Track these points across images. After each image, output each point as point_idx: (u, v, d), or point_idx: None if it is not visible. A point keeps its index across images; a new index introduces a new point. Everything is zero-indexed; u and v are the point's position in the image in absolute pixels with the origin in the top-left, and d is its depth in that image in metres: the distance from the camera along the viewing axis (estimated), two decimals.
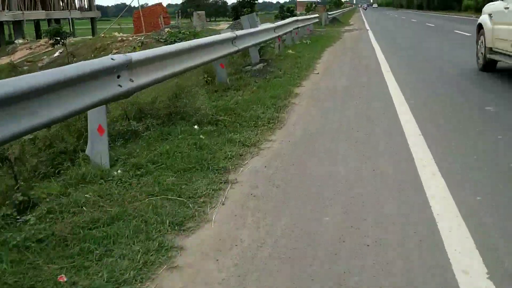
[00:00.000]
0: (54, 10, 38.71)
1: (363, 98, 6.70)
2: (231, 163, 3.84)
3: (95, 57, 12.55)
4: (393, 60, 10.70)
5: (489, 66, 7.92)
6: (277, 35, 11.25)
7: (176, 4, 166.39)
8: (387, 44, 15.46)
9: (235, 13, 37.14)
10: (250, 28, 10.17)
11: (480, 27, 8.24)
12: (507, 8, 6.86)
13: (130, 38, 21.82)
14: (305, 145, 4.47)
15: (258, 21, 10.94)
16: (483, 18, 8.07)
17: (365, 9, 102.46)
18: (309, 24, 19.67)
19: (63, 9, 40.70)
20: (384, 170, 3.67)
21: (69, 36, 22.11)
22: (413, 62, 10.67)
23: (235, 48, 7.40)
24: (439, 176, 3.44)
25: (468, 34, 15.69)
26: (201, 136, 4.41)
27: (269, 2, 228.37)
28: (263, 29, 10.22)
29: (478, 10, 34.94)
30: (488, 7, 8.07)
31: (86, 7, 44.99)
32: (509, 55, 6.85)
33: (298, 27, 15.33)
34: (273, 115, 5.43)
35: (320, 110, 5.99)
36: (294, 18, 14.99)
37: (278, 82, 7.78)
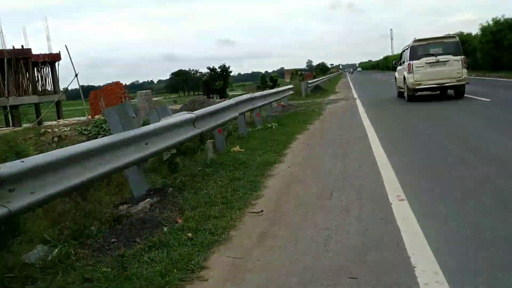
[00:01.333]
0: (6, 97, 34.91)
1: None
2: None
3: None
4: (407, 167, 6.21)
5: (399, 95, 17.51)
6: (207, 127, 6.80)
7: (160, 81, 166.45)
8: (387, 125, 11.11)
9: (206, 88, 33.38)
10: (160, 120, 5.93)
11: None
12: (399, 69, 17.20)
13: (66, 128, 17.45)
14: None
15: (169, 111, 6.52)
16: (395, 73, 19.04)
17: (351, 73, 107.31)
18: (280, 99, 15.43)
19: (20, 95, 37.02)
20: None
21: None
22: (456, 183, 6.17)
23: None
24: None
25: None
26: None
27: (257, 72, 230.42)
28: (173, 123, 5.82)
29: (473, 68, 31.52)
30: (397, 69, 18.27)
31: (50, 89, 41.46)
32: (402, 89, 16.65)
33: (255, 107, 10.96)
34: None
35: None
36: (248, 95, 10.69)
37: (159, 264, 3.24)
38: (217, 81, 32.49)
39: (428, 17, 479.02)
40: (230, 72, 33.79)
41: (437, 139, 8.06)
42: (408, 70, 15.13)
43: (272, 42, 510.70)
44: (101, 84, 30.90)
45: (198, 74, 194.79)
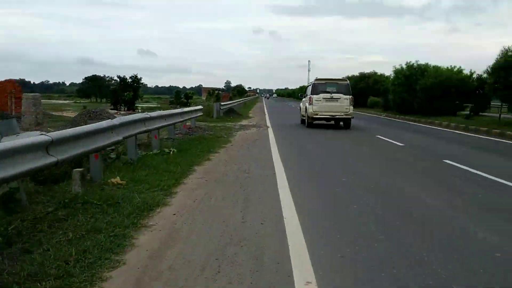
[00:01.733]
0: None
1: None
2: None
3: None
4: (320, 230, 5.02)
5: (302, 121, 20.26)
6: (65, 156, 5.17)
7: (72, 84, 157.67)
8: (297, 161, 10.08)
9: (115, 97, 31.03)
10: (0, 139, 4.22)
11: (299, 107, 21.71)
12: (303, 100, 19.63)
13: None
14: None
15: (16, 127, 4.83)
16: (300, 104, 21.50)
17: (267, 98, 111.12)
18: (185, 120, 13.96)
19: None
20: None
21: None
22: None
23: None
24: None
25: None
26: None
27: (175, 86, 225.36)
28: (15, 147, 4.19)
29: (386, 109, 32.33)
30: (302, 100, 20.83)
31: None
32: (304, 117, 19.50)
33: (150, 129, 9.42)
34: None
35: None
36: (141, 115, 9.14)
37: None
38: (126, 92, 30.22)
39: (344, 55, 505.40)
40: (142, 83, 31.61)
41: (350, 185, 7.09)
42: (309, 102, 18.58)
43: (193, 59, 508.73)
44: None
45: (113, 81, 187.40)
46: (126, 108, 30.94)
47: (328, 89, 18.42)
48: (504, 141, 14.48)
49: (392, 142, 13.52)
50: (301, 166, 9.13)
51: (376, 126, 20.95)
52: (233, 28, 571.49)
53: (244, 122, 22.41)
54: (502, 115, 20.89)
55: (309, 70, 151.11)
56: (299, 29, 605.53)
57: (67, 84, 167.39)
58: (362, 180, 7.58)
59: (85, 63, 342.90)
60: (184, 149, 10.43)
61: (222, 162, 9.19)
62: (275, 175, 7.80)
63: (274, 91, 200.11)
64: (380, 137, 15.14)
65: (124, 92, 30.51)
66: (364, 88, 41.38)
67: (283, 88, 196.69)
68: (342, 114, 18.17)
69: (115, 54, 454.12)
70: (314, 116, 18.40)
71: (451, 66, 26.15)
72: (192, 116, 14.78)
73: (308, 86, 20.40)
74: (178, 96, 64.43)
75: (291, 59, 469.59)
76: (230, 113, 27.77)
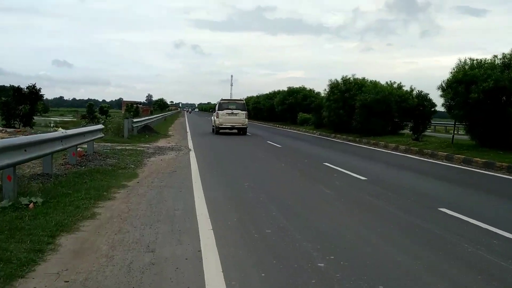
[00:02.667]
0: None
1: None
2: None
3: None
4: None
5: (212, 130, 27.03)
6: None
7: None
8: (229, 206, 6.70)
9: (7, 111, 25.85)
10: None
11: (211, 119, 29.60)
12: (214, 114, 26.77)
13: None
14: None
15: None
16: (211, 117, 29.54)
17: (190, 113, 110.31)
18: (72, 147, 10.07)
19: None
20: None
21: None
22: None
23: None
24: None
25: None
26: None
27: (93, 99, 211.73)
28: None
29: (318, 126, 29.95)
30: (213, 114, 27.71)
31: None
32: (213, 126, 26.53)
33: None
34: None
35: None
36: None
37: None
38: (21, 105, 25.31)
39: (266, 70, 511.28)
40: (42, 95, 26.74)
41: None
42: (216, 116, 25.62)
43: (113, 71, 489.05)
44: None
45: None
46: (21, 124, 25.89)
47: (230, 107, 25.62)
48: (478, 170, 12.00)
49: (349, 174, 10.60)
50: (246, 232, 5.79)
51: (317, 149, 18.15)
52: (154, 41, 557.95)
53: (162, 143, 18.68)
54: (448, 135, 18.88)
55: (231, 85, 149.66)
56: (221, 44, 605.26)
57: None
58: None
59: None
60: (58, 196, 6.73)
61: (111, 226, 5.57)
62: (200, 257, 4.43)
63: (196, 106, 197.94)
64: (329, 165, 12.22)
65: (19, 105, 25.49)
66: (293, 104, 39.00)
67: (206, 102, 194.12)
68: (240, 124, 25.38)
69: (28, 64, 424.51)
70: (220, 126, 25.39)
71: (390, 81, 24.23)
72: (86, 140, 10.90)
73: (216, 104, 27.65)
74: (91, 110, 58.72)
75: (213, 73, 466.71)
76: (146, 130, 23.97)
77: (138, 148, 15.51)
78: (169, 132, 27.11)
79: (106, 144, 16.18)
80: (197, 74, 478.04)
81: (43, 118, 46.34)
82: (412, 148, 16.67)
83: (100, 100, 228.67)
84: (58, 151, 8.61)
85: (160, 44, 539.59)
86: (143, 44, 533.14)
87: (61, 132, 8.75)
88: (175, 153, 14.57)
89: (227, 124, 25.18)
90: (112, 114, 53.79)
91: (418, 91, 21.67)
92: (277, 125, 40.07)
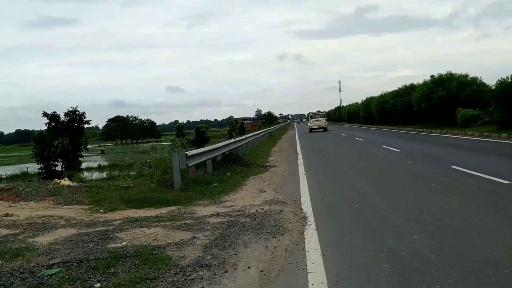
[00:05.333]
0: None
1: None
2: None
3: None
4: None
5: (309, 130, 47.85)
6: None
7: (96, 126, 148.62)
8: None
9: (41, 149, 18.09)
10: None
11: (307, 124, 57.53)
12: (309, 121, 51.27)
13: None
14: None
15: None
16: (307, 122, 57.12)
17: (299, 123, 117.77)
18: None
19: None
20: None
21: None
22: None
23: None
24: None
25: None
26: None
27: (206, 119, 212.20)
28: None
29: (505, 127, 18.43)
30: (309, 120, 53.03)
31: None
32: (310, 128, 47.19)
33: None
34: None
35: None
36: None
37: None
38: (58, 139, 17.31)
39: (373, 72, 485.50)
40: (87, 122, 18.74)
41: None
42: (310, 122, 47.95)
43: (223, 91, 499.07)
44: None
45: (137, 121, 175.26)
46: (63, 166, 17.98)
47: (316, 116, 47.10)
48: None
49: None
50: None
51: None
52: (259, 57, 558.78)
53: (246, 193, 9.11)
54: None
55: (340, 91, 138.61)
56: (324, 52, 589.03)
57: (100, 127, 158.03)
58: None
59: (117, 105, 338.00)
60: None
61: None
62: None
63: (305, 116, 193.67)
64: None
65: (56, 139, 17.71)
66: (445, 98, 27.36)
67: (315, 111, 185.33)
68: (323, 126, 44.30)
69: (144, 94, 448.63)
70: (312, 128, 44.56)
71: None
72: None
73: (308, 114, 58.90)
74: (181, 133, 51.73)
75: (320, 82, 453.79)
76: (229, 162, 14.50)
77: (193, 219, 6.13)
78: (270, 158, 17.55)
79: (136, 213, 7.01)
80: (304, 84, 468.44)
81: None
82: None
83: (212, 120, 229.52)
84: None
85: (265, 60, 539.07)
86: (249, 62, 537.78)
87: None
88: (263, 246, 4.88)
89: (316, 126, 44.06)
90: (210, 134, 46.10)
91: None
92: (428, 130, 28.20)
